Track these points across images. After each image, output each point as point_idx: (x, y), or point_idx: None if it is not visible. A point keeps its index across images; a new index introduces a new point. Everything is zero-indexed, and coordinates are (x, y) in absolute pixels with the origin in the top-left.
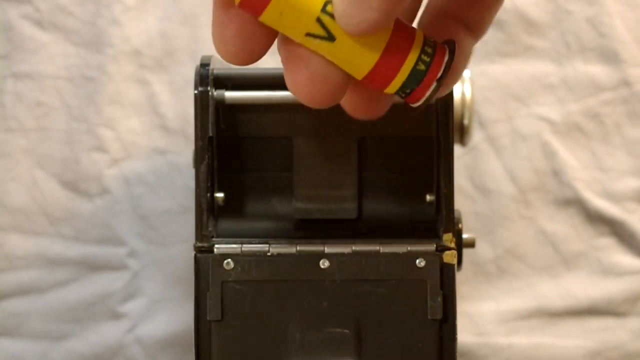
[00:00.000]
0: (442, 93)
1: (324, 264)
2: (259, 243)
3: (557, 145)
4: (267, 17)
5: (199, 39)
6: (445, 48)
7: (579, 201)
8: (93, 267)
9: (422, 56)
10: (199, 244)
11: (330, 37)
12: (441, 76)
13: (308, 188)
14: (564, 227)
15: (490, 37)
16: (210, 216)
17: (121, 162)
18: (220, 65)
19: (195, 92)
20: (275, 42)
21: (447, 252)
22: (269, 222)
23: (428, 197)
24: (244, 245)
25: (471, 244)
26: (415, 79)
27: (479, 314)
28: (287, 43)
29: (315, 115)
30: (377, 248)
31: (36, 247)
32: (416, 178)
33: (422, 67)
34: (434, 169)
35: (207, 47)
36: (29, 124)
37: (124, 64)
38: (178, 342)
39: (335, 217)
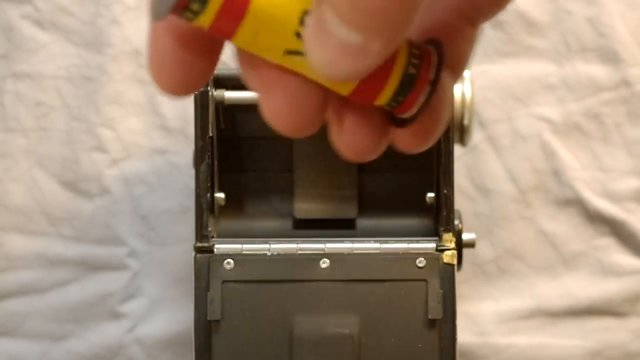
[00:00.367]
0: (452, 84)
1: (324, 264)
2: (259, 243)
3: (557, 145)
4: (241, 38)
5: None
6: (431, 48)
7: (579, 201)
8: (93, 267)
9: (411, 59)
10: (199, 244)
11: None
12: (435, 78)
13: (308, 188)
14: (564, 227)
15: (490, 37)
16: (210, 216)
17: (121, 162)
18: (220, 65)
19: (195, 92)
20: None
21: (447, 252)
22: (269, 222)
23: (428, 197)
24: (244, 245)
25: (471, 244)
26: (408, 83)
27: (479, 314)
28: (258, 67)
29: None
30: (377, 248)
31: (36, 247)
32: (416, 178)
33: (412, 70)
34: (434, 169)
35: None
36: (29, 124)
37: (124, 64)
38: (178, 342)
39: (335, 217)
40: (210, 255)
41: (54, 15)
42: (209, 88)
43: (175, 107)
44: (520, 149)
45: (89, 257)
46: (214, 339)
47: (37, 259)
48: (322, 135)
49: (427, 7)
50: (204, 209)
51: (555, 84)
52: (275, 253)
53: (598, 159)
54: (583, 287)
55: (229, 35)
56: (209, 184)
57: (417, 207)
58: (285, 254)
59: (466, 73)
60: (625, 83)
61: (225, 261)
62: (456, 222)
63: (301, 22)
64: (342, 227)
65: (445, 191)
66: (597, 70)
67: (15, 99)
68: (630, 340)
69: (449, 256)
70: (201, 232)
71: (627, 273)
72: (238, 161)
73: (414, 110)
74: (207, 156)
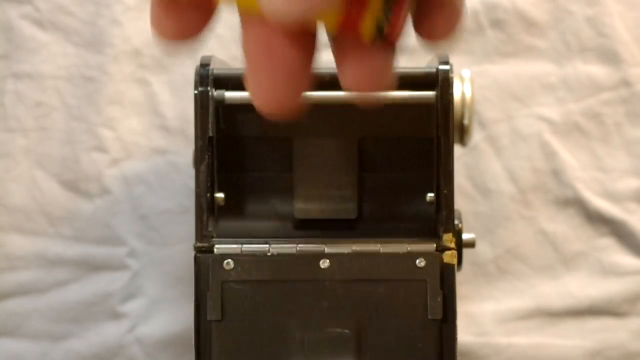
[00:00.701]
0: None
1: (324, 264)
2: (259, 243)
3: (557, 145)
4: None
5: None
6: None
7: (579, 201)
8: (93, 267)
9: None
10: (199, 244)
11: None
12: None
13: (308, 188)
14: (564, 227)
15: (490, 37)
16: (210, 216)
17: (121, 162)
18: (220, 65)
19: (195, 92)
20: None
21: (447, 252)
22: (269, 222)
23: (428, 197)
24: (244, 245)
25: (471, 244)
26: (388, 7)
27: (479, 314)
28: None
29: (315, 115)
30: (377, 248)
31: (36, 247)
32: (416, 178)
33: None
34: (434, 169)
35: (207, 47)
36: (29, 124)
37: (124, 63)
38: (178, 342)
39: (335, 217)
40: (210, 255)
41: (54, 15)
42: (209, 88)
43: (175, 107)
44: (520, 149)
45: (89, 257)
46: (214, 339)
47: (37, 259)
48: (322, 135)
49: None
50: (204, 209)
51: (555, 84)
52: (275, 253)
53: (598, 159)
54: (583, 287)
55: None
56: (209, 184)
57: (417, 207)
58: (285, 254)
59: (466, 73)
60: (625, 83)
61: (225, 261)
62: (456, 222)
63: None
64: (342, 227)
65: (445, 191)
66: (597, 70)
67: (15, 99)
68: (630, 340)
69: (449, 256)
70: (201, 232)
71: (627, 273)
72: (238, 161)
73: (402, 28)
74: (207, 156)
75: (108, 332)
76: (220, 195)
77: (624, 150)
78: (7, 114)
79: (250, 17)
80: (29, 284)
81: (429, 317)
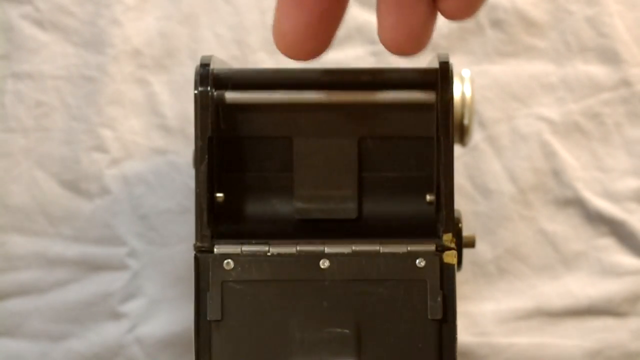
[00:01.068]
0: None
1: (324, 264)
2: (259, 243)
3: (557, 145)
4: None
5: (199, 39)
6: None
7: (579, 201)
8: (93, 267)
9: None
10: (199, 244)
11: None
12: None
13: (308, 188)
14: (564, 227)
15: (490, 37)
16: (210, 216)
17: (121, 162)
18: (220, 65)
19: (195, 92)
20: None
21: (447, 252)
22: (269, 222)
23: (428, 197)
24: (244, 246)
25: (471, 244)
26: None
27: (479, 314)
28: None
29: (315, 115)
30: (377, 248)
31: (36, 247)
32: (416, 178)
33: None
34: (434, 169)
35: (207, 47)
36: (29, 124)
37: (124, 64)
38: (178, 342)
39: (335, 217)
40: (210, 255)
41: (54, 15)
42: (209, 88)
43: (175, 107)
44: (520, 149)
45: (89, 257)
46: (214, 339)
47: (37, 259)
48: (322, 135)
49: None
50: (204, 209)
51: (555, 84)
52: (275, 253)
53: (598, 159)
54: (583, 287)
55: None
56: (208, 184)
57: (417, 207)
58: (285, 254)
59: (466, 73)
60: (625, 83)
61: (225, 261)
62: (456, 222)
63: None
64: (342, 227)
65: (445, 191)
66: (597, 70)
67: (15, 99)
68: (630, 340)
69: (449, 256)
70: (201, 232)
71: (627, 273)
72: (238, 161)
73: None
74: (207, 156)
75: (108, 332)
76: (220, 195)
77: (624, 150)
78: (7, 114)
79: None
80: (29, 284)
81: (429, 317)
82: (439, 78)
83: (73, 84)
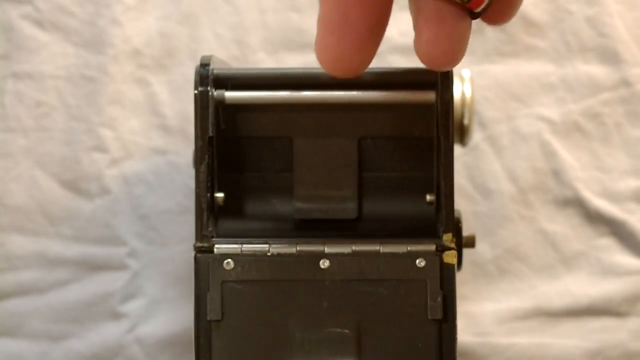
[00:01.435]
0: None
1: (324, 264)
2: (259, 243)
3: (557, 145)
4: None
5: (199, 39)
6: None
7: (579, 201)
8: (93, 267)
9: None
10: (199, 244)
11: None
12: None
13: (308, 188)
14: (564, 227)
15: (490, 37)
16: (210, 216)
17: (121, 162)
18: (220, 65)
19: (195, 92)
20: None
21: (447, 252)
22: (269, 222)
23: (428, 197)
24: (244, 245)
25: (471, 244)
26: None
27: (479, 314)
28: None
29: (315, 115)
30: (377, 248)
31: (36, 247)
32: (416, 178)
33: None
34: (434, 169)
35: (207, 47)
36: (29, 124)
37: (124, 64)
38: (178, 342)
39: (335, 217)
40: (210, 255)
41: (54, 15)
42: (209, 88)
43: (175, 107)
44: (520, 149)
45: (89, 257)
46: (214, 339)
47: (37, 259)
48: (322, 135)
49: None
50: (204, 209)
51: (555, 84)
52: (275, 253)
53: (598, 159)
54: (583, 287)
55: None
56: (208, 184)
57: (417, 207)
58: (285, 254)
59: (466, 73)
60: (625, 83)
61: (225, 261)
62: (456, 222)
63: None
64: (342, 227)
65: (445, 191)
66: (597, 70)
67: (15, 99)
68: (630, 340)
69: (449, 256)
70: (201, 232)
71: (627, 273)
72: (238, 161)
73: (484, 4)
74: (207, 156)
75: (108, 332)
76: (220, 195)
77: (624, 150)
78: (7, 114)
79: None
80: (29, 284)
81: (429, 317)
82: (439, 78)
83: (73, 84)
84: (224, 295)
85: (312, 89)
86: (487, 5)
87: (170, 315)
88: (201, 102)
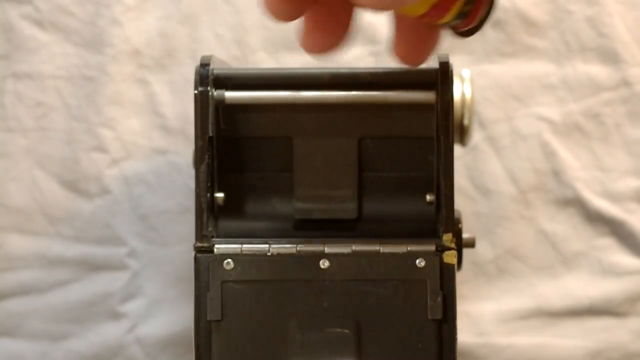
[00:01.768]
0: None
1: (324, 264)
2: (259, 243)
3: (557, 145)
4: None
5: (199, 39)
6: None
7: (579, 201)
8: (93, 267)
9: None
10: (199, 244)
11: None
12: None
13: (308, 188)
14: (564, 227)
15: (490, 37)
16: (210, 216)
17: (121, 162)
18: (220, 65)
19: (195, 92)
20: None
21: (447, 252)
22: (269, 222)
23: (428, 197)
24: (244, 245)
25: (471, 244)
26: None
27: (479, 314)
28: None
29: (315, 115)
30: (377, 248)
31: (36, 247)
32: (416, 178)
33: None
34: (434, 169)
35: (207, 47)
36: (29, 124)
37: (124, 64)
38: (178, 342)
39: (335, 217)
40: (210, 255)
41: (54, 15)
42: (209, 88)
43: (175, 107)
44: (520, 149)
45: (89, 257)
46: (214, 339)
47: (37, 259)
48: (322, 135)
49: None
50: (204, 209)
51: (555, 84)
52: (275, 253)
53: (598, 159)
54: (583, 287)
55: None
56: (209, 184)
57: (417, 207)
58: (285, 254)
59: (466, 73)
60: (625, 83)
61: (225, 261)
62: (456, 222)
63: None
64: (342, 227)
65: (445, 191)
66: (597, 70)
67: (15, 99)
68: (630, 340)
69: (449, 256)
70: (201, 232)
71: (627, 273)
72: (238, 161)
73: (475, 23)
74: (207, 156)
75: (108, 332)
76: (220, 195)
77: (624, 150)
78: (7, 114)
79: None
80: (29, 284)
81: (429, 317)
82: (439, 78)
83: (73, 84)
84: (224, 295)
85: (312, 89)
86: (478, 25)
87: (170, 315)
88: (201, 102)
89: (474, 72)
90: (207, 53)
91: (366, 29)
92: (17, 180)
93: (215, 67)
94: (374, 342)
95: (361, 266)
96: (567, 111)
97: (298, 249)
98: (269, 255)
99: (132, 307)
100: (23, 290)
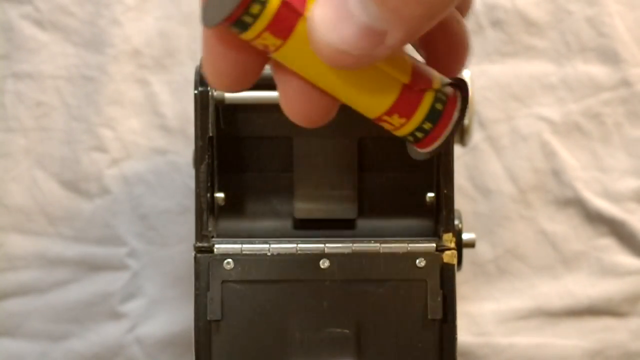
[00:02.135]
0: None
1: (324, 264)
2: (259, 243)
3: (557, 145)
4: (281, 54)
5: (198, 39)
6: (457, 91)
7: (579, 201)
8: (93, 267)
9: (439, 95)
10: (199, 244)
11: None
12: (458, 117)
13: (308, 188)
14: (564, 227)
15: (490, 37)
16: (210, 216)
17: (121, 162)
18: None
19: (195, 92)
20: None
21: (447, 252)
22: (269, 222)
23: (428, 197)
24: (244, 245)
25: (471, 244)
26: (433, 117)
27: (479, 314)
28: (286, 74)
29: None
30: (377, 248)
31: (36, 247)
32: (416, 178)
33: (439, 106)
34: (434, 169)
35: None
36: (29, 124)
37: (124, 64)
38: (178, 342)
39: (335, 217)
40: (210, 255)
41: (54, 15)
42: (208, 88)
43: (175, 107)
44: (520, 149)
45: (89, 257)
46: (214, 339)
47: (37, 259)
48: (322, 135)
49: None
50: (204, 209)
51: (555, 84)
52: (275, 253)
53: (598, 159)
54: (583, 287)
55: (270, 51)
56: (208, 184)
57: (417, 207)
58: (285, 254)
59: (466, 73)
60: (625, 83)
61: (225, 261)
62: (456, 222)
63: None
64: (342, 227)
65: (445, 191)
66: (597, 70)
67: (15, 99)
68: (630, 340)
69: (449, 256)
70: (201, 232)
71: (627, 273)
72: (238, 161)
73: (435, 146)
74: (207, 156)
75: (108, 332)
76: (220, 195)
77: (624, 150)
78: (7, 114)
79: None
80: (29, 284)
81: (429, 317)
82: None
83: (73, 84)
84: (224, 295)
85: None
86: (437, 148)
87: (170, 315)
88: (201, 102)
89: (474, 72)
90: None
91: None
92: (17, 180)
93: None
94: (374, 342)
95: (361, 266)
96: (567, 111)
97: (298, 248)
98: (269, 255)
99: (132, 307)
100: (23, 290)
